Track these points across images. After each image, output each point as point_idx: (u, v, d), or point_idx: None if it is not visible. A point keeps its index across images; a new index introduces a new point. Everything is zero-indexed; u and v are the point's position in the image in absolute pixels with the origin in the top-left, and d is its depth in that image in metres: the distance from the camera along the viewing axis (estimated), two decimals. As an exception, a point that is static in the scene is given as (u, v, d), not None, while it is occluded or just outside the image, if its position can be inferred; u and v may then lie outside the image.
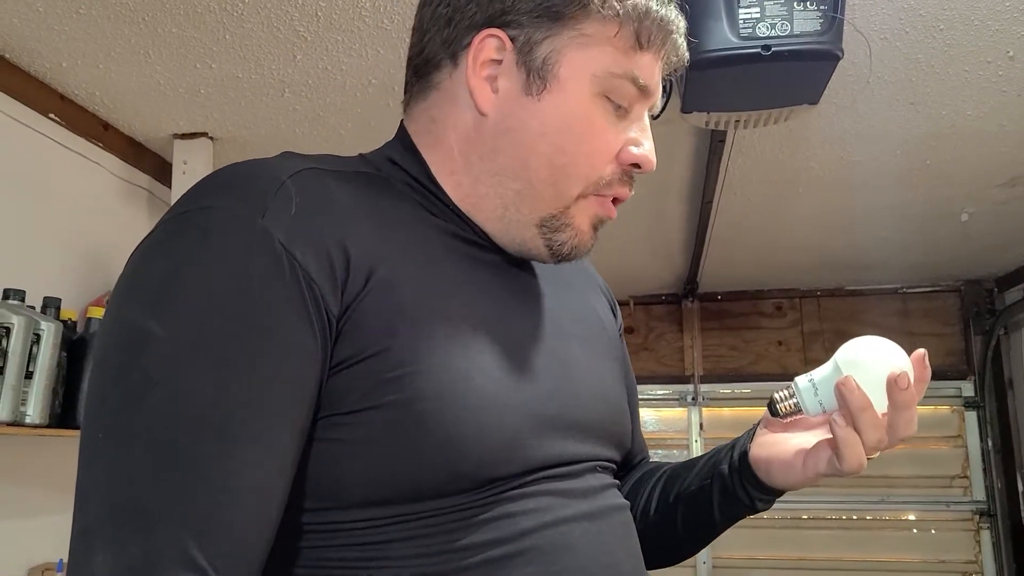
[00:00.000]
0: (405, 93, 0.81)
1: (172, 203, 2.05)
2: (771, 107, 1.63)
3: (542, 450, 0.69)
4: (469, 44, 0.73)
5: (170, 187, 2.39)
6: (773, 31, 1.44)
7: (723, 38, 1.45)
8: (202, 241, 0.61)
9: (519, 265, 0.81)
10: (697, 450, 4.06)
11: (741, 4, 1.45)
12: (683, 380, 4.14)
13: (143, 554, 0.54)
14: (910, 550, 3.87)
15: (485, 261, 0.77)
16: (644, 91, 0.74)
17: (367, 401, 0.62)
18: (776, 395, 0.76)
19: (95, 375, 0.61)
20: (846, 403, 0.70)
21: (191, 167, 2.34)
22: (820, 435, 0.76)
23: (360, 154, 0.80)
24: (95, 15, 1.72)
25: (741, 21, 1.45)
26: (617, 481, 0.82)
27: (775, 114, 1.66)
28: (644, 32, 0.72)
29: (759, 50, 1.44)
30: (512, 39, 0.72)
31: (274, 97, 2.08)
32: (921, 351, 0.73)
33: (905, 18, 1.71)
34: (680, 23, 0.76)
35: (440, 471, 0.63)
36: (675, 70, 0.79)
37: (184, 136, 2.34)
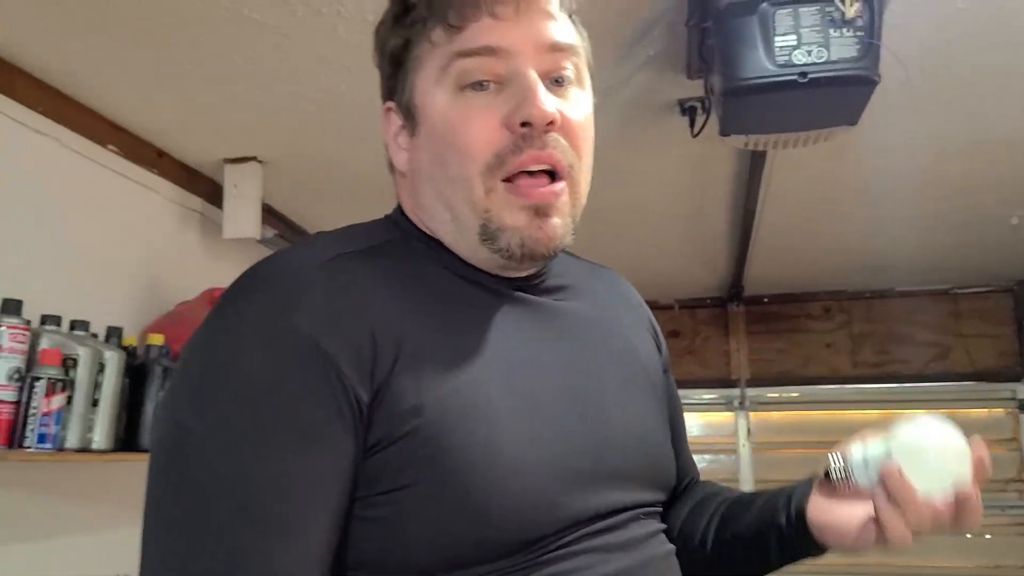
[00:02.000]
0: None
1: (223, 224, 2.10)
2: (809, 129, 1.63)
3: (576, 506, 0.70)
4: (383, 127, 0.82)
5: (221, 208, 2.46)
6: (810, 58, 1.44)
7: (760, 66, 1.46)
8: (237, 342, 0.65)
9: (557, 298, 0.83)
10: (745, 455, 4.05)
11: (777, 32, 1.46)
12: (729, 384, 4.12)
13: None
14: (964, 555, 3.81)
15: (515, 302, 0.79)
16: (488, 51, 0.73)
17: (400, 481, 0.65)
18: (831, 463, 0.78)
19: (150, 464, 0.66)
20: (890, 490, 0.72)
21: (241, 190, 2.41)
22: (868, 509, 0.76)
23: (388, 215, 0.85)
24: (152, 55, 1.79)
25: (777, 49, 1.45)
26: (664, 525, 0.83)
27: (813, 135, 1.66)
28: (448, 14, 0.73)
29: (796, 77, 1.44)
30: (396, 103, 0.80)
31: (320, 123, 2.14)
32: (982, 452, 0.73)
33: (943, 38, 1.70)
34: None
35: (474, 540, 0.65)
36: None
37: (234, 160, 2.41)
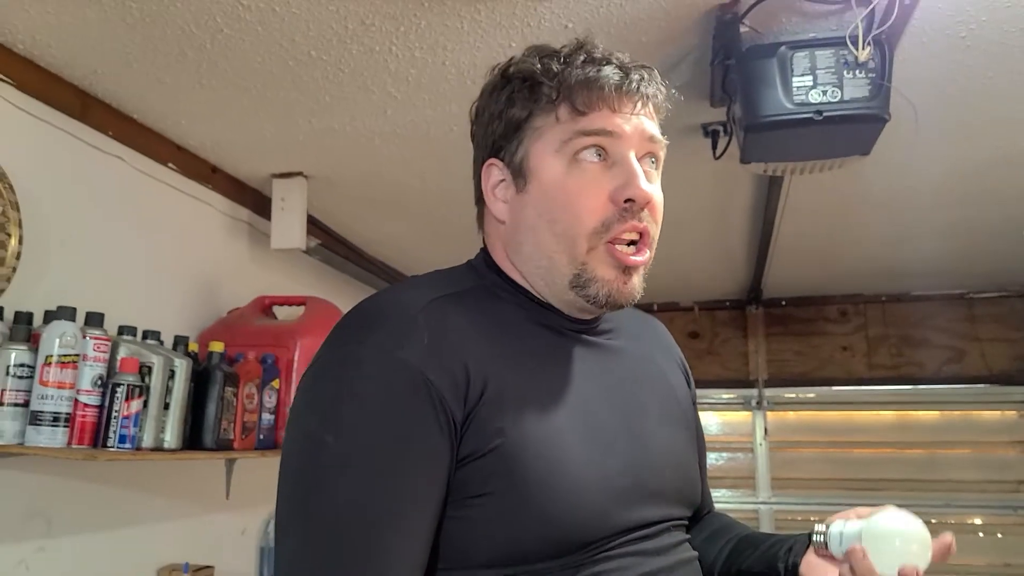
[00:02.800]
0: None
1: (271, 235, 2.26)
2: (824, 159, 1.76)
3: (622, 518, 0.87)
4: (481, 178, 0.98)
5: (269, 220, 2.61)
6: (825, 97, 1.57)
7: (778, 104, 1.59)
8: (358, 370, 0.81)
9: (609, 339, 0.99)
10: (762, 454, 4.17)
11: (795, 73, 1.59)
12: (747, 384, 4.25)
13: None
14: (975, 553, 3.92)
15: (576, 342, 0.95)
16: (606, 135, 0.89)
17: (485, 488, 0.81)
18: (816, 529, 0.93)
19: (284, 470, 0.82)
20: (852, 557, 0.87)
21: (288, 203, 2.57)
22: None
23: (468, 262, 1.01)
24: (213, 84, 1.94)
25: (795, 89, 1.58)
26: (688, 536, 0.99)
27: (828, 163, 1.79)
28: (576, 100, 0.90)
29: (812, 115, 1.57)
30: (501, 159, 0.95)
31: (365, 144, 2.29)
32: (948, 539, 0.89)
33: (955, 69, 1.82)
34: (610, 71, 0.91)
35: (540, 541, 0.81)
36: (648, 102, 0.93)
37: (282, 175, 2.56)
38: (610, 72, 0.90)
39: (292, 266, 2.90)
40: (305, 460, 0.80)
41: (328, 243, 2.92)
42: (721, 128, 2.12)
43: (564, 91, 0.90)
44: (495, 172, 0.97)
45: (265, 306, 2.49)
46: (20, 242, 1.74)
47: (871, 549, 0.86)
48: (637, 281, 0.93)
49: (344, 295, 3.13)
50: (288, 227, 2.56)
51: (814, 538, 0.93)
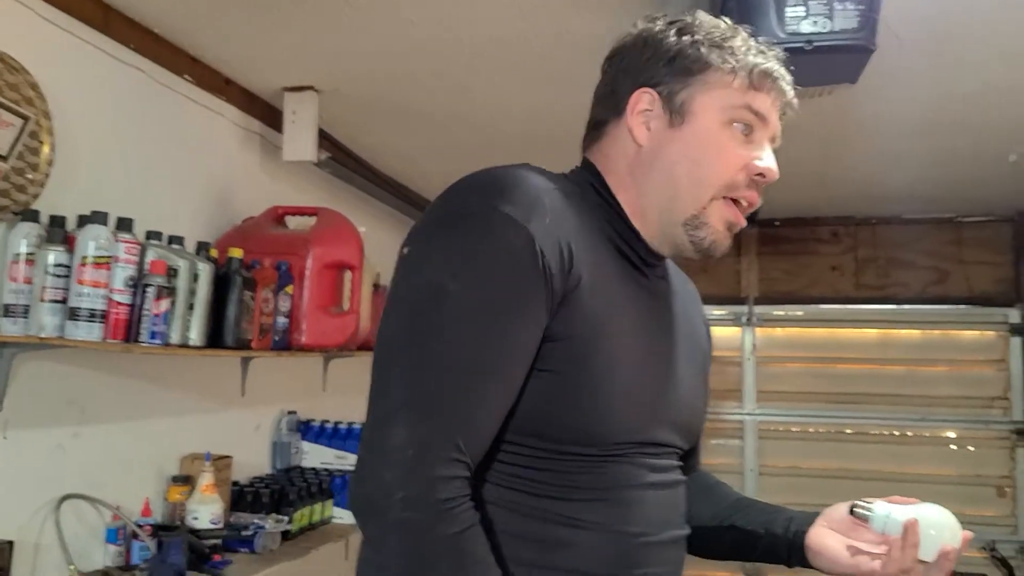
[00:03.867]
0: (583, 144, 1.13)
1: (283, 147, 2.37)
2: (813, 86, 1.85)
3: (647, 432, 1.01)
4: (627, 101, 1.06)
5: (281, 132, 2.70)
6: (815, 27, 1.66)
7: (771, 33, 1.67)
8: (489, 233, 0.91)
9: (663, 285, 1.12)
10: (749, 368, 4.36)
11: (788, 3, 1.67)
12: (738, 301, 4.40)
13: (431, 433, 0.85)
14: (947, 464, 4.14)
15: (639, 281, 1.07)
16: (761, 118, 1.03)
17: (555, 367, 0.93)
18: (861, 503, 1.07)
19: (399, 310, 0.92)
20: (906, 536, 1.02)
21: (299, 116, 2.65)
22: (866, 546, 1.06)
23: (564, 174, 1.10)
24: (230, -1, 2.01)
25: (788, 19, 1.67)
26: (681, 463, 1.13)
27: (818, 90, 1.88)
28: (753, 78, 1.02)
29: (803, 45, 1.66)
30: (658, 92, 1.04)
31: (375, 61, 2.36)
32: (969, 535, 1.04)
33: (947, 4, 1.90)
34: (783, 73, 1.06)
35: (578, 428, 0.94)
36: (784, 112, 1.08)
37: (293, 89, 2.64)
38: (780, 69, 1.05)
39: (302, 179, 3.01)
40: (425, 304, 0.89)
41: (338, 157, 3.01)
42: (719, 52, 2.20)
43: (744, 65, 1.02)
44: (645, 99, 1.05)
45: (278, 216, 2.60)
46: (52, 149, 1.85)
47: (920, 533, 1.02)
48: (731, 239, 1.06)
49: (353, 208, 3.24)
50: (299, 140, 2.66)
51: (855, 511, 1.07)
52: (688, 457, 1.19)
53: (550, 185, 0.98)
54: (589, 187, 1.07)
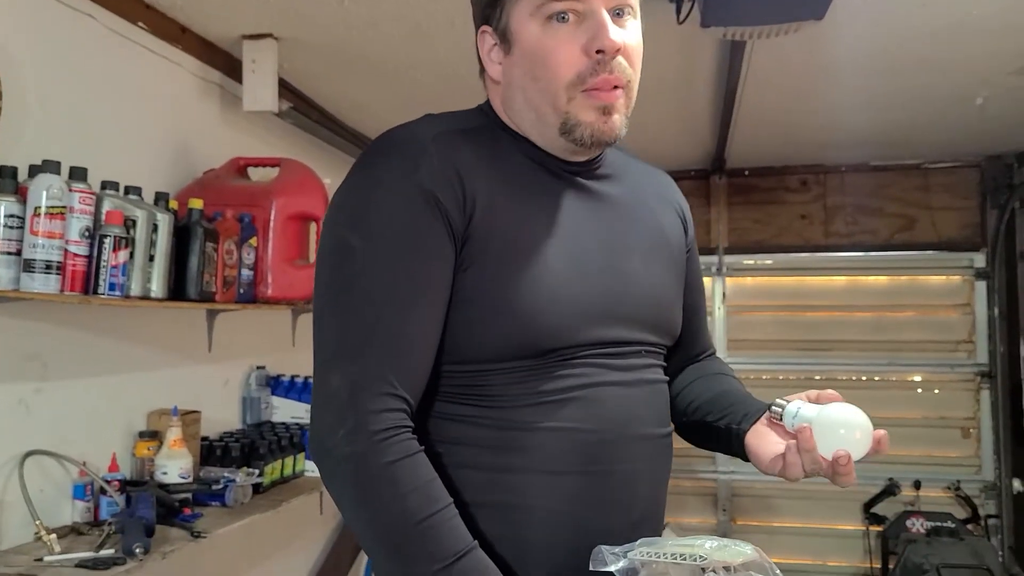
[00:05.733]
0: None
1: (243, 97, 2.30)
2: (781, 22, 1.83)
3: (590, 333, 1.02)
4: (478, 46, 1.10)
5: (240, 82, 2.63)
6: (781, -40, 1.64)
7: (736, -34, 1.65)
8: (380, 186, 0.99)
9: (604, 184, 1.12)
10: (720, 317, 4.39)
11: (753, -65, 1.65)
12: (709, 251, 4.40)
13: (360, 373, 0.94)
14: (914, 407, 4.21)
15: (570, 184, 1.09)
16: None
17: (473, 293, 0.99)
18: (777, 402, 1.06)
19: (320, 271, 1.00)
20: (799, 438, 1.00)
21: (259, 65, 2.58)
22: (781, 446, 1.05)
23: (479, 107, 1.14)
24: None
25: (753, -49, 1.65)
26: (662, 363, 1.14)
27: (784, 28, 1.86)
28: None
29: (768, -22, 1.64)
30: (492, 28, 1.07)
31: (334, 5, 2.31)
32: (882, 433, 1.00)
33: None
34: None
35: (514, 342, 0.99)
36: None
37: (252, 37, 2.57)
38: None
39: (264, 129, 2.95)
40: (337, 260, 0.98)
41: (300, 107, 2.95)
42: (685, -7, 2.17)
43: None
44: (487, 38, 1.08)
45: (240, 167, 2.55)
46: (0, 98, 1.78)
47: (818, 432, 0.99)
48: (618, 119, 1.04)
49: (316, 159, 3.18)
50: (260, 89, 2.59)
51: (772, 408, 1.06)
52: (679, 350, 1.22)
53: (444, 128, 1.04)
54: (495, 115, 1.11)
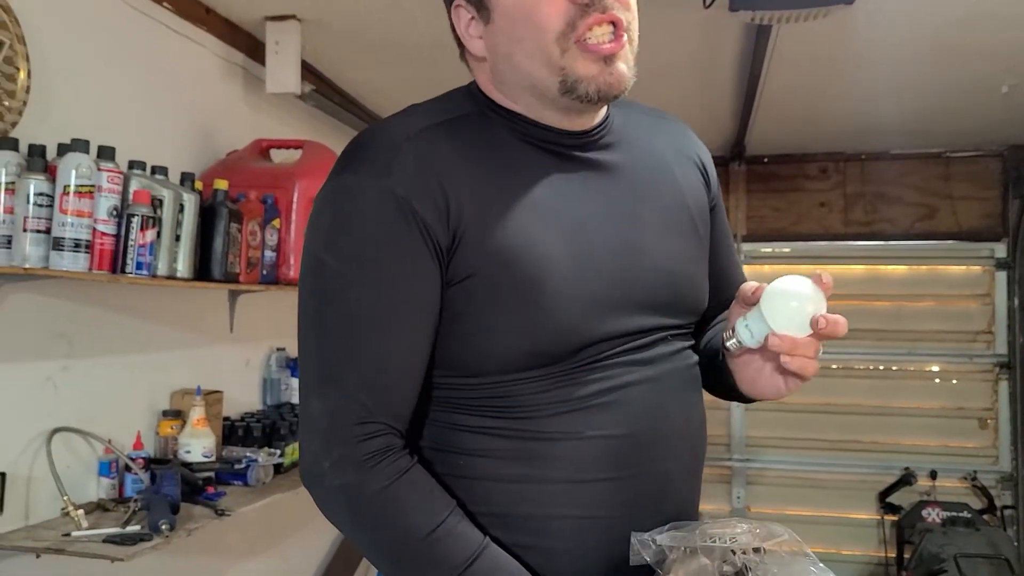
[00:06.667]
0: None
1: (266, 79, 2.30)
2: (810, 7, 1.82)
3: (606, 328, 0.94)
4: (455, 24, 1.00)
5: (263, 64, 2.63)
6: (813, -57, 1.62)
7: (768, -51, 1.64)
8: (351, 200, 0.92)
9: (611, 152, 1.01)
10: (737, 304, 4.36)
11: (786, -82, 1.63)
12: (727, 239, 4.38)
13: (337, 399, 0.90)
14: (931, 398, 4.20)
15: (570, 160, 0.98)
16: None
17: (470, 308, 0.92)
18: (726, 338, 0.98)
19: (300, 290, 0.95)
20: (776, 348, 0.92)
21: (282, 47, 2.59)
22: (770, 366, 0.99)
23: (466, 88, 1.05)
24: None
25: (784, -66, 1.63)
26: (690, 343, 1.06)
27: (814, 12, 1.85)
28: None
29: (800, -39, 1.63)
30: (467, 1, 0.97)
31: (360, -14, 2.30)
32: (820, 274, 0.93)
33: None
34: None
35: (525, 352, 0.92)
36: None
37: (275, 18, 2.57)
38: None
39: (286, 112, 2.95)
40: (313, 278, 0.93)
41: (322, 89, 2.95)
42: (712, -24, 2.15)
43: None
44: (463, 13, 0.99)
45: (263, 149, 2.56)
46: (28, 76, 1.79)
47: (778, 324, 0.91)
48: (624, 68, 0.93)
49: (338, 141, 3.18)
50: (283, 71, 2.60)
51: (729, 346, 0.97)
52: (713, 314, 1.13)
53: (423, 123, 0.96)
54: (483, 95, 1.02)
